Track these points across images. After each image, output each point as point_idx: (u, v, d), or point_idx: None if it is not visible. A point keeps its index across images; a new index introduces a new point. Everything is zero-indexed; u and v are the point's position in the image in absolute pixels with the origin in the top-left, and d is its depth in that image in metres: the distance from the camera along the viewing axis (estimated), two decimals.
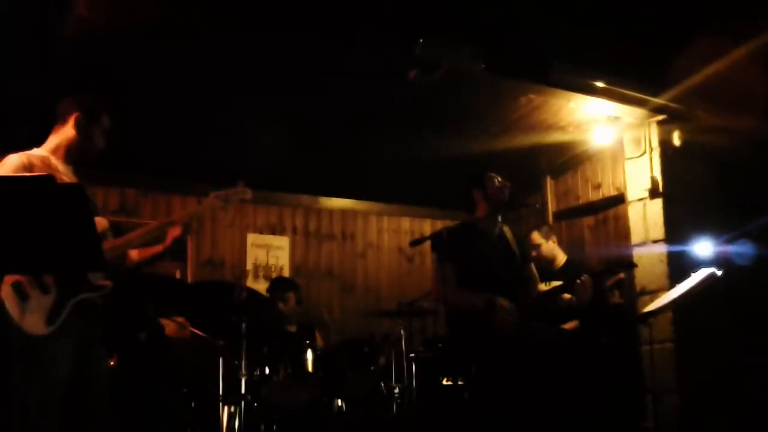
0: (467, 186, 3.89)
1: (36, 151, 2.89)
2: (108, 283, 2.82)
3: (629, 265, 4.66)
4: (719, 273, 3.74)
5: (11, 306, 2.58)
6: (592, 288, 3.65)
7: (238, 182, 3.22)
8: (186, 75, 4.37)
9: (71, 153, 2.93)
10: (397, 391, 4.39)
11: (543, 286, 4.73)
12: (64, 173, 2.87)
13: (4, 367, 2.82)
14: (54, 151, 2.91)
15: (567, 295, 3.74)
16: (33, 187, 2.45)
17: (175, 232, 3.02)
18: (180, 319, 4.71)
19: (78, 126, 2.93)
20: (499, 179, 3.84)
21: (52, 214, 2.44)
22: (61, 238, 2.56)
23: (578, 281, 3.64)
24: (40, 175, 2.65)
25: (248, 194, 3.23)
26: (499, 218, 3.86)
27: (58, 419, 2.66)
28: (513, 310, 3.48)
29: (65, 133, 2.93)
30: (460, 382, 4.11)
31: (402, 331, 4.62)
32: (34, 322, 2.61)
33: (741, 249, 4.80)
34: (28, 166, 2.76)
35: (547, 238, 5.05)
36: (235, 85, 4.56)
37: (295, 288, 5.17)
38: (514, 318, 3.46)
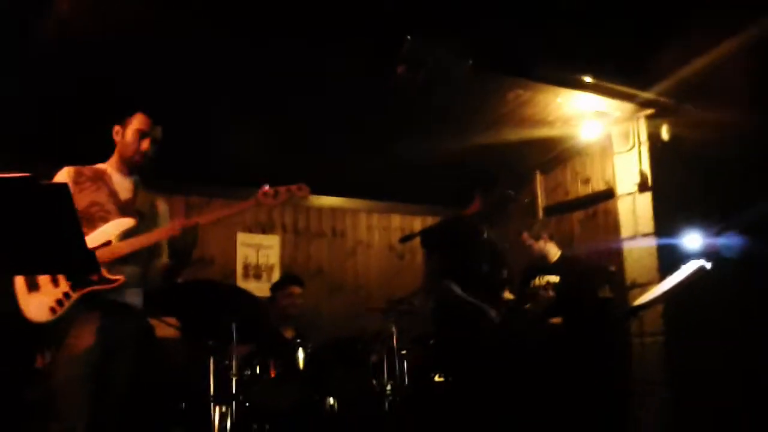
0: (474, 183, 3.94)
1: (99, 165, 3.18)
2: (120, 277, 2.93)
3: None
4: (708, 266, 3.75)
5: (20, 295, 2.79)
6: (551, 299, 3.71)
7: (299, 183, 3.37)
8: (174, 73, 4.34)
9: (124, 164, 3.19)
10: (388, 388, 4.38)
11: (537, 281, 4.76)
12: (118, 183, 3.13)
13: (30, 353, 2.99)
14: (112, 165, 3.20)
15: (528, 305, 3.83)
16: (15, 186, 2.43)
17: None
18: (170, 320, 4.67)
19: (117, 136, 3.20)
20: (508, 195, 3.89)
21: (35, 214, 2.43)
22: (44, 238, 2.55)
23: (540, 292, 3.72)
24: (21, 175, 2.65)
25: (305, 191, 3.34)
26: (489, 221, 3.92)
27: (83, 410, 2.77)
28: (498, 317, 3.52)
29: (116, 146, 3.21)
30: (450, 378, 4.11)
31: (393, 329, 4.60)
32: (38, 310, 2.78)
33: (730, 241, 4.81)
34: (74, 176, 3.04)
35: (537, 237, 5.08)
36: (224, 83, 4.54)
37: (297, 282, 5.16)
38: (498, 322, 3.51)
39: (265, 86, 4.62)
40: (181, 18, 3.86)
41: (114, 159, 3.23)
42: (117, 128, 3.21)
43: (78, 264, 2.80)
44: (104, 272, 2.92)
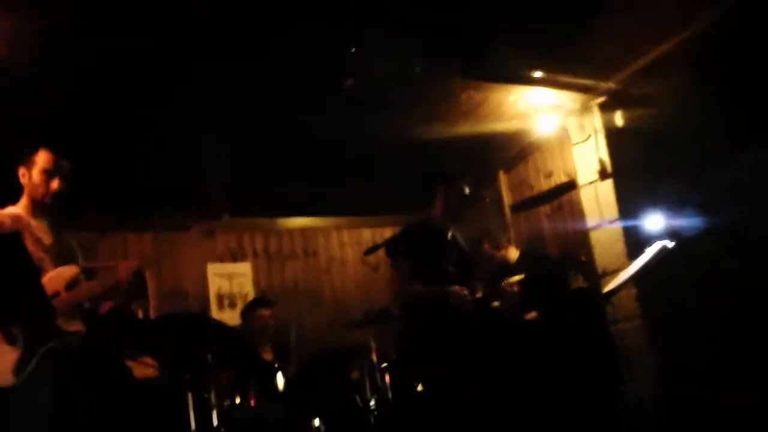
0: (433, 182, 3.98)
1: (9, 210, 3.01)
2: (80, 328, 2.90)
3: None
4: (671, 244, 3.80)
5: None
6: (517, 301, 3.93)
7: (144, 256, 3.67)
8: (128, 106, 4.30)
9: (37, 206, 3.02)
10: (372, 403, 4.35)
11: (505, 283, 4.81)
12: (37, 227, 2.98)
13: None
14: (24, 208, 3.03)
15: (495, 303, 3.88)
16: None
17: None
18: (147, 360, 4.62)
19: (22, 178, 3.03)
20: (465, 192, 3.93)
21: None
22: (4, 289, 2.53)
23: (507, 288, 3.79)
24: None
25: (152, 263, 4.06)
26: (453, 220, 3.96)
27: None
28: (468, 294, 3.57)
29: (24, 188, 3.03)
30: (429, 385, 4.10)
31: (372, 342, 4.58)
32: (0, 373, 2.60)
33: (688, 219, 4.88)
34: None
35: (497, 248, 5.19)
36: (178, 112, 4.48)
37: (265, 303, 5.12)
38: (470, 300, 3.55)
39: (227, 107, 4.58)
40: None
41: (25, 202, 3.04)
42: (23, 170, 3.02)
43: (40, 312, 2.77)
44: (60, 324, 2.83)
